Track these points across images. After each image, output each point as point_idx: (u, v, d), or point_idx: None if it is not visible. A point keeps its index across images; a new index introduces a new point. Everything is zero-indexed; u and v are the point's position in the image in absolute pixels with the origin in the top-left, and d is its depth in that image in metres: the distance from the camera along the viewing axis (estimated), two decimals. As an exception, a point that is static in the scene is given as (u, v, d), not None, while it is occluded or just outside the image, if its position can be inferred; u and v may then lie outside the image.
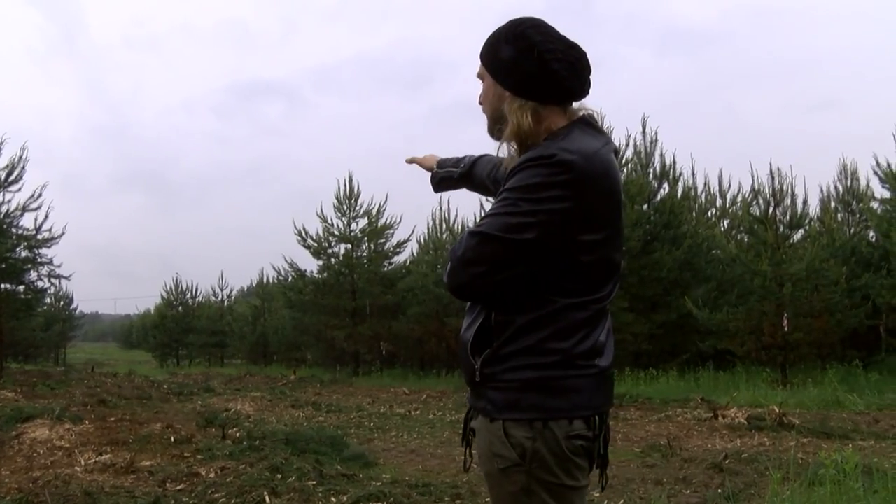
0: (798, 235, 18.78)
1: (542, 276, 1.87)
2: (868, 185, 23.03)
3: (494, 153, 2.18)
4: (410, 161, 2.87)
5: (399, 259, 27.91)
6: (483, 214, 1.97)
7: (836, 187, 24.17)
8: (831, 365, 16.28)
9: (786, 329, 16.61)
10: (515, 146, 2.03)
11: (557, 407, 1.87)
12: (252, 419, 12.07)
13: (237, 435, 9.48)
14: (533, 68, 1.96)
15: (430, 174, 2.79)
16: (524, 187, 1.82)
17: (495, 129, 2.07)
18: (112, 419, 10.77)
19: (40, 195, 21.94)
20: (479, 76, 2.12)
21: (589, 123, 1.98)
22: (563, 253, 1.85)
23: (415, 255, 28.43)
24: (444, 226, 26.32)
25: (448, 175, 2.71)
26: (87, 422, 10.05)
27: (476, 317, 1.97)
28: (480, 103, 2.13)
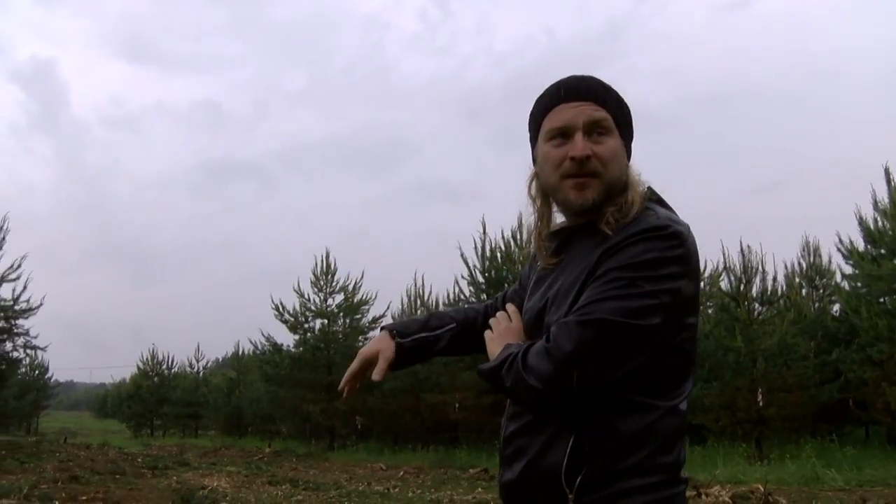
0: (765, 311, 19.30)
1: (646, 373, 1.59)
2: (831, 261, 23.79)
3: (532, 228, 1.90)
4: (352, 378, 2.14)
5: (374, 334, 27.86)
6: (584, 299, 1.59)
7: (799, 263, 24.93)
8: (805, 439, 16.61)
9: (760, 404, 16.99)
10: (570, 218, 1.82)
11: None
12: (229, 498, 11.90)
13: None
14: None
15: (389, 353, 2.08)
16: (640, 264, 1.56)
17: (601, 199, 1.70)
18: (84, 498, 10.64)
19: (19, 266, 22.09)
20: (600, 129, 1.73)
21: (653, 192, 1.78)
22: (670, 342, 1.62)
23: (390, 330, 28.42)
24: (418, 301, 26.60)
25: (423, 343, 2.12)
26: (56, 502, 9.95)
27: (558, 431, 1.62)
28: (594, 160, 1.70)
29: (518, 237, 22.19)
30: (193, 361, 42.55)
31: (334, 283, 27.18)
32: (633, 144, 1.84)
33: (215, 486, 13.25)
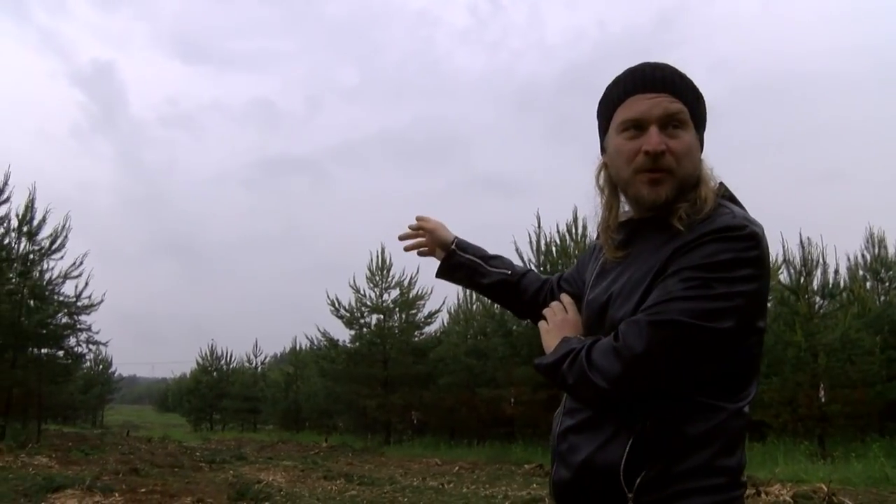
0: (827, 305, 18.80)
1: (713, 375, 1.56)
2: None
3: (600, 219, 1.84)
4: (417, 227, 2.33)
5: (430, 329, 28.07)
6: (655, 298, 1.55)
7: (863, 256, 24.15)
8: (872, 437, 16.14)
9: (822, 400, 16.54)
10: (634, 213, 1.77)
11: None
12: (284, 492, 11.94)
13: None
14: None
15: (442, 251, 2.29)
16: (715, 264, 1.51)
17: (674, 195, 1.65)
18: (143, 490, 10.82)
19: (81, 263, 22.51)
20: (675, 122, 1.67)
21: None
22: (742, 345, 1.57)
23: (445, 325, 28.78)
24: (473, 296, 26.54)
25: (472, 266, 2.24)
26: (116, 493, 10.12)
27: (618, 429, 1.58)
28: (668, 156, 1.64)
29: (573, 231, 21.91)
30: (252, 356, 43.09)
31: (390, 279, 27.16)
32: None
33: (270, 481, 13.35)
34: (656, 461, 1.53)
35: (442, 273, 2.30)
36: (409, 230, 2.36)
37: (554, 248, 22.13)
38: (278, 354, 51.41)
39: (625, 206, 1.81)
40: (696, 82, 1.72)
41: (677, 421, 1.54)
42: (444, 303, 27.69)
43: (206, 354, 43.44)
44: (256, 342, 44.13)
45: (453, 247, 2.26)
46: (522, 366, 21.05)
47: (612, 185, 1.79)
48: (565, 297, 1.93)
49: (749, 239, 1.53)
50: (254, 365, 43.08)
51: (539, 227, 22.23)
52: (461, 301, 27.36)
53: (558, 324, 1.82)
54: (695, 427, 1.54)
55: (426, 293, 27.26)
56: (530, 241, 22.42)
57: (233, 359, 43.89)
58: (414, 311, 27.39)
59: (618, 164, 1.71)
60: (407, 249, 2.36)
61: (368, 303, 27.21)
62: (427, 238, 2.33)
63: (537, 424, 21.61)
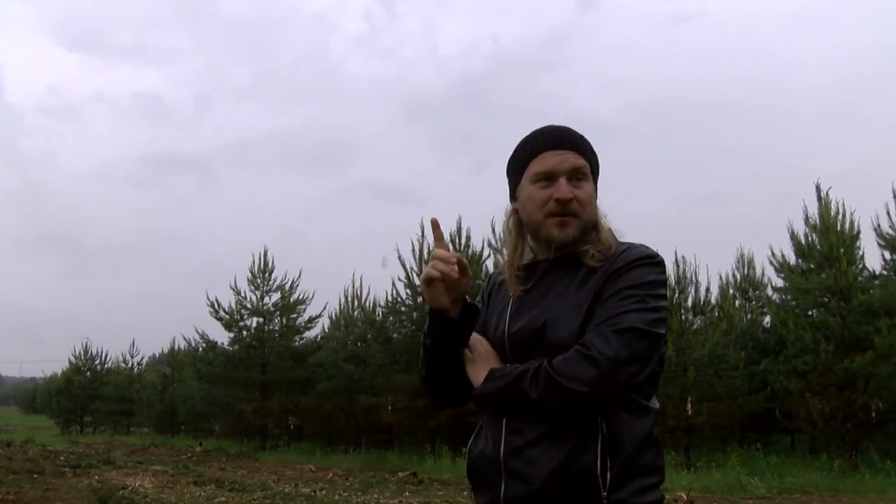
0: (699, 321, 19.63)
1: (647, 377, 1.79)
2: (764, 273, 24.38)
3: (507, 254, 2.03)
4: (437, 229, 1.98)
5: (310, 334, 27.97)
6: (606, 313, 1.76)
7: (734, 275, 25.46)
8: (732, 447, 16.96)
9: (689, 413, 17.25)
10: (541, 253, 1.99)
11: None
12: (149, 499, 11.66)
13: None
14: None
15: (457, 305, 1.93)
16: (645, 284, 1.80)
17: (579, 235, 1.89)
18: (-6, 499, 10.29)
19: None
20: (579, 175, 1.92)
21: None
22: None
23: (326, 330, 28.67)
24: (355, 303, 26.52)
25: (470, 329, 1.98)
26: (-39, 503, 9.56)
27: (584, 434, 1.73)
28: (574, 203, 1.88)
29: (457, 241, 22.19)
30: (128, 357, 41.73)
31: (271, 282, 26.92)
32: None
33: (137, 486, 13.04)
34: (615, 460, 1.71)
35: (450, 329, 1.93)
36: (450, 254, 1.90)
37: (437, 257, 22.28)
38: (156, 355, 49.96)
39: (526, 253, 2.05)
40: (588, 140, 2.01)
41: (625, 421, 1.75)
42: (325, 308, 27.52)
43: (79, 354, 41.86)
44: (134, 342, 42.76)
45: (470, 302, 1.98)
46: (401, 373, 21.21)
47: (520, 229, 2.04)
48: (475, 335, 1.99)
49: (662, 265, 1.88)
50: (130, 366, 41.79)
51: (422, 235, 22.39)
52: (342, 307, 27.34)
53: (483, 355, 1.93)
54: (638, 427, 1.77)
55: (307, 297, 27.19)
56: (413, 250, 22.61)
57: (108, 359, 42.39)
58: (295, 316, 27.22)
59: (530, 210, 1.95)
60: (435, 272, 1.86)
61: (249, 305, 26.87)
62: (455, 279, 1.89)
63: (414, 432, 21.78)
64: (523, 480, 1.76)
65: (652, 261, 1.85)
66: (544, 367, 1.74)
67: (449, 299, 1.90)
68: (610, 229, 1.96)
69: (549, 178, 1.92)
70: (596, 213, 1.96)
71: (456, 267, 1.87)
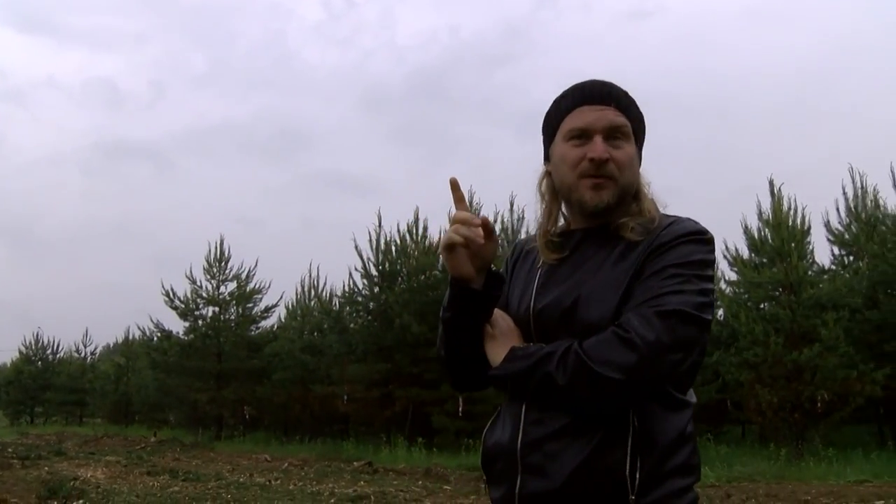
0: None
1: (689, 367, 1.62)
2: (718, 267, 24.71)
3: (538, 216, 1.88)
4: (458, 189, 1.77)
5: (266, 324, 27.87)
6: (647, 293, 1.59)
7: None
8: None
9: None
10: (579, 219, 1.82)
11: None
12: (101, 489, 11.51)
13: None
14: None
15: (482, 274, 1.76)
16: (693, 263, 1.62)
17: (615, 202, 1.73)
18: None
19: None
20: (618, 134, 1.75)
21: None
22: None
23: (282, 320, 28.55)
24: (312, 292, 26.49)
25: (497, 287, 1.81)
26: None
27: (612, 429, 1.57)
28: (611, 164, 1.72)
29: (414, 232, 22.22)
30: (81, 347, 41.20)
31: (227, 271, 26.72)
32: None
33: (88, 477, 12.89)
34: (646, 460, 1.54)
35: (473, 301, 1.76)
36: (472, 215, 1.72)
37: (394, 248, 22.34)
38: (111, 345, 49.37)
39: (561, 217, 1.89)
40: (634, 98, 1.83)
41: (659, 417, 1.58)
42: (281, 297, 27.44)
43: (30, 343, 41.30)
44: (87, 331, 42.19)
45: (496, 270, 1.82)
46: (357, 363, 21.23)
47: (554, 193, 1.86)
48: (497, 310, 1.81)
49: (710, 243, 1.68)
50: (83, 355, 41.28)
51: (380, 226, 22.40)
52: (298, 296, 27.29)
53: (504, 331, 1.76)
54: (673, 423, 1.60)
55: (264, 287, 27.09)
56: (370, 240, 22.55)
57: (60, 349, 41.95)
58: (251, 305, 27.09)
59: (562, 170, 1.78)
60: (457, 237, 1.69)
61: (205, 294, 26.65)
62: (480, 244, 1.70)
63: (370, 422, 21.79)
64: (542, 476, 1.60)
65: (701, 237, 1.67)
66: (574, 348, 1.57)
67: (473, 267, 1.73)
68: (653, 199, 1.79)
69: (584, 135, 1.74)
70: (638, 179, 1.79)
71: (480, 230, 1.67)
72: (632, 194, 1.76)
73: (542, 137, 1.91)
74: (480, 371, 1.76)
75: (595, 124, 1.73)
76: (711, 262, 1.67)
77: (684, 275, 1.59)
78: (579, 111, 1.76)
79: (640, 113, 1.83)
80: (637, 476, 1.52)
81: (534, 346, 1.68)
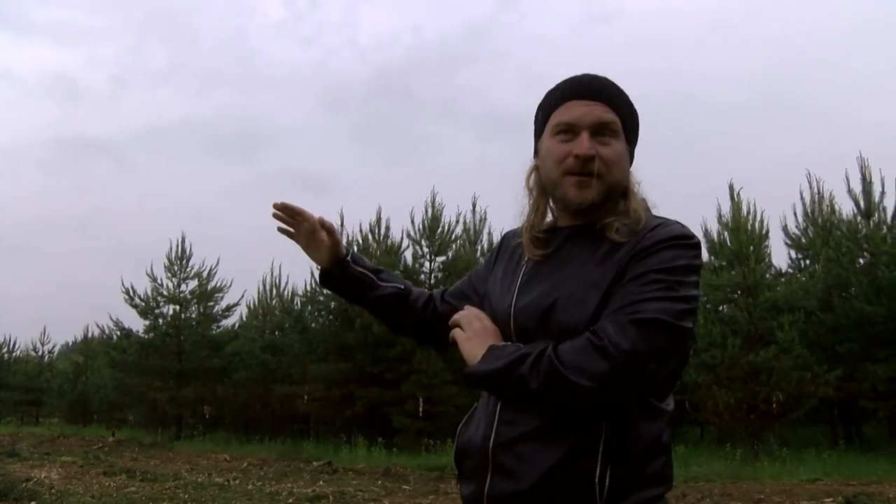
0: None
1: (666, 375, 1.59)
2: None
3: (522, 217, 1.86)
4: (285, 209, 2.11)
5: (227, 322, 27.74)
6: (625, 299, 1.55)
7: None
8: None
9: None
10: (566, 218, 1.80)
11: None
12: (55, 490, 11.28)
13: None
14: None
15: (324, 261, 2.12)
16: (676, 269, 1.57)
17: (600, 201, 1.70)
18: None
19: None
20: (606, 131, 1.72)
21: None
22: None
23: (244, 319, 28.46)
24: (273, 291, 26.41)
25: (365, 280, 2.11)
26: None
27: (584, 435, 1.55)
28: (598, 161, 1.69)
29: (377, 231, 22.24)
30: (38, 345, 40.60)
31: (188, 269, 26.54)
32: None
33: (42, 478, 12.64)
34: (618, 467, 1.52)
35: (332, 283, 2.14)
36: (280, 210, 2.13)
37: (356, 247, 22.28)
38: (69, 344, 48.70)
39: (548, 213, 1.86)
40: (627, 93, 1.79)
41: (633, 424, 1.54)
42: (242, 296, 27.40)
43: (-17, 342, 40.63)
44: (45, 329, 41.60)
45: (348, 258, 2.11)
46: (318, 363, 21.20)
47: (541, 188, 1.81)
48: (473, 309, 1.84)
49: (697, 248, 1.62)
50: (40, 354, 40.70)
51: (342, 225, 22.34)
52: (260, 295, 27.18)
53: (479, 331, 1.74)
54: (647, 431, 1.56)
55: (225, 285, 26.96)
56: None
57: (16, 347, 41.27)
58: (212, 304, 26.92)
59: (548, 166, 1.74)
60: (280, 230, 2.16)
61: (165, 293, 26.42)
62: (304, 227, 2.11)
63: (331, 422, 21.78)
64: (511, 478, 1.59)
65: (686, 242, 1.61)
66: (549, 353, 1.53)
67: (324, 258, 2.10)
68: (643, 200, 1.74)
69: (570, 130, 1.71)
70: (627, 178, 1.74)
71: (295, 218, 2.06)
72: (619, 193, 1.72)
73: (533, 130, 1.89)
74: (417, 325, 2.11)
75: (582, 120, 1.70)
76: (696, 268, 1.61)
77: (665, 281, 1.54)
78: (567, 106, 1.73)
79: (633, 109, 1.79)
80: (606, 483, 1.50)
81: (511, 345, 1.65)
